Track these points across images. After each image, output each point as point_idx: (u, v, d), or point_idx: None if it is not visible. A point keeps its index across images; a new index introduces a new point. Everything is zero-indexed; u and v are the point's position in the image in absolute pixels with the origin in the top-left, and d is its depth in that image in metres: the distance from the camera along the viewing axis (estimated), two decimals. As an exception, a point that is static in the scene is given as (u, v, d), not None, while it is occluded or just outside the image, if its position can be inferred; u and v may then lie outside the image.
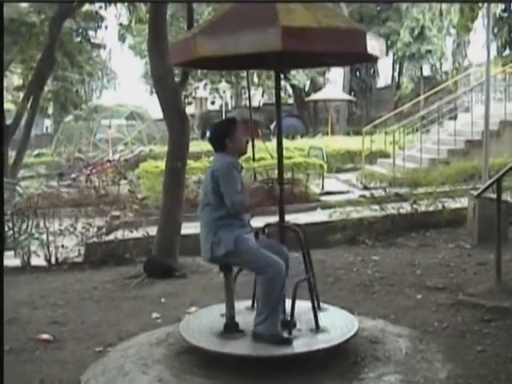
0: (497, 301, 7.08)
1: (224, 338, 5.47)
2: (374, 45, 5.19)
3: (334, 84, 42.17)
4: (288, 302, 5.48)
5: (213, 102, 49.83)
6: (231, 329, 5.55)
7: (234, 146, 5.57)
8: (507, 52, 26.51)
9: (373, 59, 5.93)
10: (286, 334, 5.35)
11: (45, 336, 6.77)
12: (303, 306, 5.62)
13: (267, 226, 6.03)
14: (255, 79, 41.30)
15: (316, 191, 16.91)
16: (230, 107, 45.94)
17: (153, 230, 10.42)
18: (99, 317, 7.56)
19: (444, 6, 32.56)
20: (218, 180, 5.40)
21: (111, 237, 11.21)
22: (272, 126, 35.55)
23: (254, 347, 5.27)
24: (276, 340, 5.26)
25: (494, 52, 24.36)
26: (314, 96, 38.35)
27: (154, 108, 28.64)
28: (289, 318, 5.53)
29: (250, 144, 18.00)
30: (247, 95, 24.45)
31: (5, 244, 11.40)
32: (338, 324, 5.62)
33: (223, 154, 5.58)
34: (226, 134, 5.57)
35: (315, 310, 5.51)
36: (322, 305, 5.97)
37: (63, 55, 22.14)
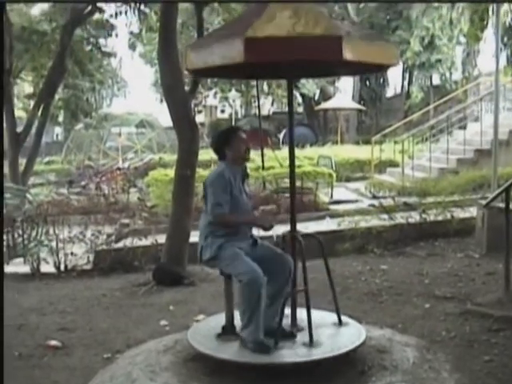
0: (505, 310, 7.09)
1: (223, 341, 5.54)
2: (365, 51, 5.00)
3: (344, 93, 42.13)
4: (301, 312, 5.55)
5: (222, 111, 49.98)
6: (228, 331, 5.63)
7: (233, 154, 5.64)
8: (517, 61, 26.50)
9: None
10: (270, 342, 5.35)
11: (53, 342, 6.81)
12: (322, 316, 5.66)
13: (283, 235, 6.03)
14: (265, 88, 41.36)
15: (325, 200, 16.87)
16: (239, 116, 46.06)
17: (162, 238, 10.46)
18: (108, 324, 7.59)
19: (454, 14, 32.48)
20: (206, 189, 5.58)
21: (120, 244, 11.25)
22: (280, 135, 35.58)
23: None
24: (255, 347, 5.30)
25: (503, 61, 24.35)
26: (324, 105, 38.41)
27: (164, 116, 28.79)
28: (289, 328, 5.62)
29: (259, 153, 18.05)
30: (257, 104, 24.49)
31: (15, 251, 11.48)
32: (339, 338, 5.62)
33: (223, 162, 5.69)
34: (224, 143, 5.67)
35: (310, 322, 5.46)
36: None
37: (74, 63, 22.24)
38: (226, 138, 5.67)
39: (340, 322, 5.83)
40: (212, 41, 5.31)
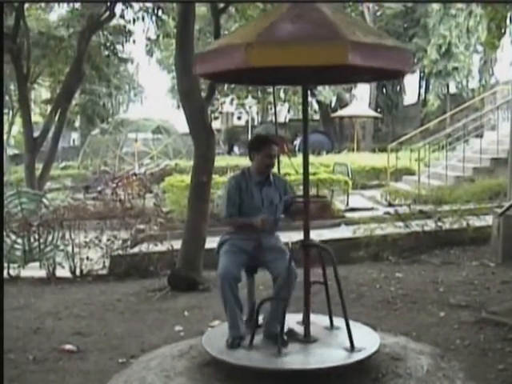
0: (520, 319, 7.05)
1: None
2: (285, 55, 4.70)
3: (361, 100, 42.00)
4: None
5: (239, 117, 50.04)
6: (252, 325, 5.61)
7: (258, 162, 5.83)
8: (534, 70, 26.38)
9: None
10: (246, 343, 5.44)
11: (68, 346, 6.83)
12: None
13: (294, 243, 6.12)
14: (281, 95, 41.40)
15: (340, 207, 16.88)
16: (256, 122, 46.03)
17: (177, 244, 10.49)
18: (122, 328, 7.61)
19: (471, 23, 32.44)
20: None
21: (136, 250, 11.29)
22: (296, 142, 35.58)
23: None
24: (226, 342, 5.49)
25: (521, 70, 24.25)
26: (340, 112, 38.41)
27: (180, 122, 28.75)
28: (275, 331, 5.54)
29: (276, 159, 18.06)
30: (273, 111, 24.51)
31: (31, 255, 11.54)
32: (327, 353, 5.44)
33: (250, 165, 5.93)
34: (256, 148, 5.87)
35: (282, 335, 5.37)
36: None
37: (91, 69, 22.23)
38: (259, 146, 5.86)
39: (352, 345, 5.41)
40: None
